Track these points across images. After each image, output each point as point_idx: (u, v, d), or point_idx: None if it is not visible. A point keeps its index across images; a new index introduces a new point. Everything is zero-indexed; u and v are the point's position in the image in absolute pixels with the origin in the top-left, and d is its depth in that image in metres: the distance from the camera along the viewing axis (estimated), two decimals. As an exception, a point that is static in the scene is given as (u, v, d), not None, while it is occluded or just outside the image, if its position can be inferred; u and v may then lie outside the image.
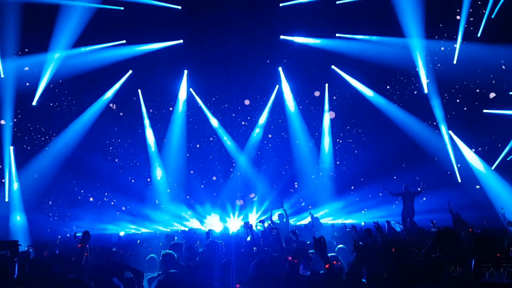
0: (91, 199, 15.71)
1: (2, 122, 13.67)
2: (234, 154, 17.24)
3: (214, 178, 17.02)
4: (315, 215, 13.02)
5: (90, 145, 15.41)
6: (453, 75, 14.47)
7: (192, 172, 16.96)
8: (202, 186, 16.81)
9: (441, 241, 5.37)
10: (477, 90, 14.93)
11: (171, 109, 17.01)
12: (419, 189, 12.46)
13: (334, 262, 6.08)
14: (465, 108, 15.26)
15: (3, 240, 4.94)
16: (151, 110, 16.99)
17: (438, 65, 14.97)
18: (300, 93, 17.17)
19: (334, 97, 16.99)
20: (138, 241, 10.79)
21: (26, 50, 13.79)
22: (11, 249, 4.52)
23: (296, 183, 16.87)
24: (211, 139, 17.34)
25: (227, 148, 17.27)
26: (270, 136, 17.38)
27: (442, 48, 14.89)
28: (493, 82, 14.43)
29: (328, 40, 15.48)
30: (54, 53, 13.99)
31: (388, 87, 16.10)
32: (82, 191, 15.63)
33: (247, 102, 17.21)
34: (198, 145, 17.20)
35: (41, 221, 14.22)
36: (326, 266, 3.53)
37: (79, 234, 5.60)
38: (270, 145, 17.39)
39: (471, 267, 3.76)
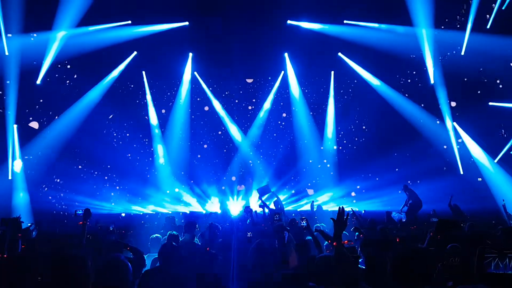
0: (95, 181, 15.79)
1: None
2: (237, 138, 17.23)
3: (205, 146, 17.03)
4: (316, 202, 13.07)
5: (93, 126, 15.40)
6: (460, 66, 14.31)
7: (199, 156, 16.98)
8: (199, 156, 16.77)
9: (442, 231, 5.38)
10: (485, 81, 14.79)
11: (175, 92, 16.95)
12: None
13: (346, 242, 6.14)
14: (470, 100, 15.16)
15: (5, 218, 4.98)
16: (154, 93, 16.94)
17: (448, 53, 14.77)
18: (305, 79, 17.07)
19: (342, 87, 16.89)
20: (142, 222, 10.84)
21: (31, 28, 13.66)
22: (13, 226, 4.54)
23: (304, 169, 16.86)
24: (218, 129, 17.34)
25: (230, 133, 17.25)
26: (276, 123, 17.32)
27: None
28: (501, 74, 14.28)
29: (336, 26, 15.28)
30: (58, 31, 13.89)
31: (394, 76, 15.97)
32: (83, 168, 15.65)
33: (249, 80, 17.12)
34: (202, 144, 17.16)
35: (44, 199, 14.31)
36: (334, 244, 3.51)
37: (79, 212, 5.63)
38: (273, 130, 17.35)
39: (470, 258, 3.74)
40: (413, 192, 12.42)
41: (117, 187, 15.96)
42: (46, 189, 14.83)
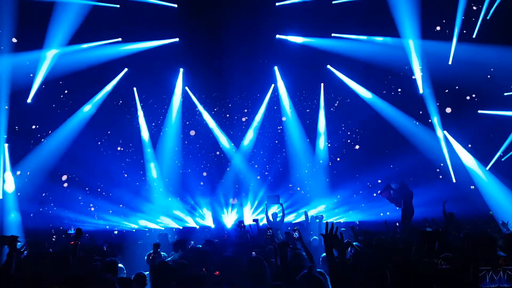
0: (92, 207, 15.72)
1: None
2: (229, 152, 17.24)
3: (205, 173, 16.99)
4: (309, 213, 13.02)
5: (85, 144, 15.34)
6: (448, 76, 14.51)
7: (189, 170, 16.95)
8: (201, 183, 16.83)
9: (428, 242, 5.36)
10: (472, 91, 14.99)
11: (166, 107, 17.00)
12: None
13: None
14: (460, 109, 15.31)
15: (3, 235, 4.95)
16: (145, 109, 16.97)
17: (435, 63, 14.95)
18: (295, 92, 17.19)
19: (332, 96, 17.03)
20: (140, 242, 10.67)
21: (21, 47, 13.70)
22: (10, 245, 4.49)
23: (298, 188, 16.85)
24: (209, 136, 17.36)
25: (222, 147, 17.27)
26: (268, 135, 17.41)
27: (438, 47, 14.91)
28: (488, 82, 14.48)
29: (324, 39, 15.50)
30: (49, 50, 13.94)
31: (383, 87, 16.13)
32: (74, 184, 15.57)
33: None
34: (194, 158, 17.19)
35: (36, 217, 14.18)
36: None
37: (71, 231, 5.59)
38: (265, 143, 17.39)
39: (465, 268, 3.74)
40: (407, 192, 11.83)
41: (108, 210, 15.82)
42: (39, 209, 14.70)
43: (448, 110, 15.43)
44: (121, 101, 16.60)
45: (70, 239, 5.44)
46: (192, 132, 17.06)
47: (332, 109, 17.08)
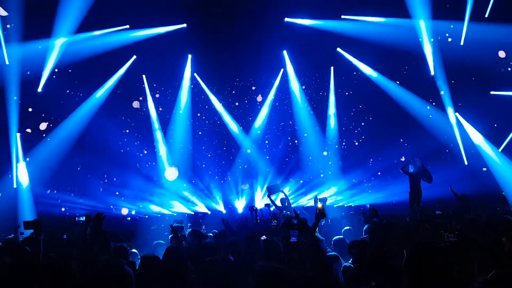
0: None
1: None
2: (239, 137, 17.25)
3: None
4: (320, 197, 13.01)
5: (94, 133, 15.45)
6: (460, 57, 14.27)
7: (204, 165, 16.99)
8: (203, 165, 16.87)
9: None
10: (484, 72, 14.72)
11: (175, 93, 17.00)
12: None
13: None
14: (472, 90, 15.09)
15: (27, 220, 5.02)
16: (156, 95, 16.98)
17: (449, 39, 14.61)
18: (305, 76, 17.07)
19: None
20: (153, 227, 10.75)
21: (30, 36, 13.71)
22: (35, 228, 4.52)
23: (322, 175, 16.77)
24: (218, 122, 17.36)
25: (231, 132, 17.27)
26: (278, 120, 17.36)
27: (451, 26, 14.58)
28: (502, 62, 14.23)
29: (333, 22, 15.28)
30: (57, 38, 13.95)
31: (393, 69, 15.93)
32: (88, 176, 15.71)
33: (259, 98, 17.15)
34: (200, 132, 17.18)
35: (48, 204, 14.37)
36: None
37: (81, 219, 5.65)
38: (275, 127, 17.35)
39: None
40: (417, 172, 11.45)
41: (116, 193, 15.96)
42: (50, 191, 14.88)
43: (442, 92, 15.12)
44: (130, 88, 16.60)
45: (80, 226, 5.47)
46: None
47: (345, 92, 16.87)
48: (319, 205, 4.27)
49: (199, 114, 17.35)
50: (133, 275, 3.44)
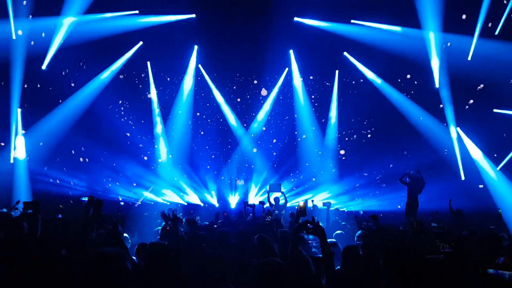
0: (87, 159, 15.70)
1: None
2: (239, 133, 17.23)
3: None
4: (315, 199, 13.04)
5: (95, 116, 15.39)
6: (466, 72, 14.23)
7: (198, 148, 16.95)
8: (197, 152, 16.85)
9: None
10: (489, 89, 14.70)
11: (179, 83, 16.96)
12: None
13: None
14: (475, 106, 15.07)
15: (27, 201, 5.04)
16: (158, 83, 16.93)
17: (454, 58, 14.61)
18: (309, 78, 17.03)
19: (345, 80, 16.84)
20: (146, 214, 10.78)
21: (39, 13, 13.62)
22: (33, 208, 4.55)
23: (314, 179, 16.79)
24: (218, 118, 17.33)
25: (231, 128, 17.24)
26: (279, 119, 17.33)
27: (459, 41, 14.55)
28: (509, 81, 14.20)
29: (343, 25, 15.24)
30: (65, 17, 13.88)
31: (399, 78, 15.92)
32: (87, 159, 15.66)
33: (264, 92, 17.11)
34: (201, 130, 17.15)
35: (45, 182, 14.34)
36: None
37: (84, 199, 5.63)
38: (276, 126, 17.34)
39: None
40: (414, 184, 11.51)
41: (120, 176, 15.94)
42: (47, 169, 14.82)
43: (471, 101, 15.06)
44: (134, 72, 16.54)
45: (83, 206, 5.46)
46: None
47: (350, 91, 16.81)
48: (301, 203, 4.30)
49: (201, 105, 17.31)
50: (130, 270, 3.22)
